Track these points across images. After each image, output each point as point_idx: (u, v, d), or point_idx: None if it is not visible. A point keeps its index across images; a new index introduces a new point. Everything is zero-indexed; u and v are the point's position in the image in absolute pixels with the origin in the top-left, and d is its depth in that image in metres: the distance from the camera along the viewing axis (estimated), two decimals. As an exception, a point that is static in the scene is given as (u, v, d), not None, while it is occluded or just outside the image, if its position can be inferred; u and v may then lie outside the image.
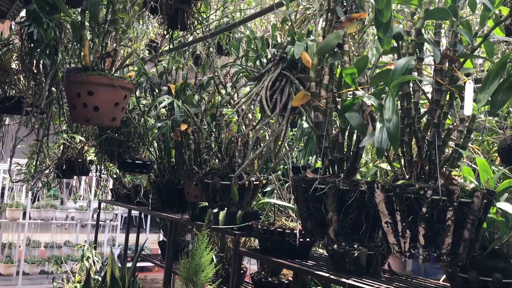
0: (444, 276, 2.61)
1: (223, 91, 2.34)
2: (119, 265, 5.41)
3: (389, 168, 2.33)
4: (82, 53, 1.83)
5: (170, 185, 2.63)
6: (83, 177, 6.40)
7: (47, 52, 2.45)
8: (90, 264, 4.89)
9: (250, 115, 2.08)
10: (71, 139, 2.98)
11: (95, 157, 3.93)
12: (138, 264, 6.48)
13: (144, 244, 7.71)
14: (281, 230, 2.65)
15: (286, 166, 3.01)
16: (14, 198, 6.54)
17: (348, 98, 1.45)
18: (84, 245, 5.37)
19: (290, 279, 3.78)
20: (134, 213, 9.01)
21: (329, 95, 1.55)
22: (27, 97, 3.35)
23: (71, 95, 1.83)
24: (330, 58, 1.57)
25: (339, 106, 1.57)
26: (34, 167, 4.65)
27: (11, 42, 3.57)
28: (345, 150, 1.56)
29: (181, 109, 2.08)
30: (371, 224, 1.51)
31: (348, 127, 1.53)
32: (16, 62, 3.56)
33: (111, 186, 6.93)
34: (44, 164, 4.77)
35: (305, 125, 1.71)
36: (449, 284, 2.17)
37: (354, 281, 2.15)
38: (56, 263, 5.91)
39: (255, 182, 2.16)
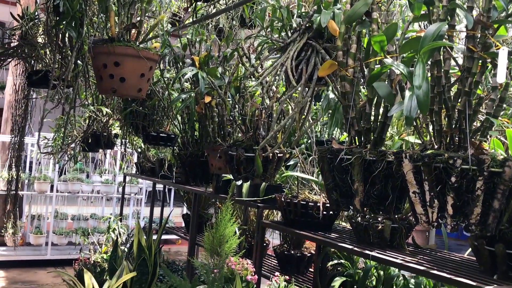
0: (469, 251, 2.59)
1: (247, 63, 2.33)
2: (145, 236, 5.53)
3: (415, 141, 2.31)
4: (108, 25, 1.84)
5: (194, 158, 2.65)
6: (108, 151, 6.52)
7: (73, 24, 2.46)
8: (116, 235, 5.01)
9: (274, 87, 2.06)
10: (97, 112, 3.02)
11: (120, 131, 3.98)
12: (163, 237, 6.62)
13: (168, 217, 7.87)
14: (305, 202, 2.66)
15: (309, 140, 3.00)
16: (41, 172, 6.70)
17: (376, 68, 1.42)
18: (110, 218, 5.49)
19: (313, 252, 3.81)
20: (159, 186, 9.16)
21: (357, 65, 1.53)
22: (54, 71, 3.41)
23: (97, 66, 1.84)
24: (358, 27, 1.54)
25: (366, 76, 1.54)
26: (61, 140, 4.75)
27: (37, 16, 3.60)
28: (372, 120, 1.54)
29: (205, 81, 2.08)
30: (397, 195, 1.50)
31: (376, 97, 1.51)
32: (42, 36, 3.60)
33: (135, 160, 7.05)
34: (70, 138, 4.86)
35: (331, 95, 1.69)
36: (474, 259, 2.16)
37: (378, 253, 2.15)
38: (83, 234, 6.07)
39: (279, 155, 2.15)
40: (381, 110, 1.53)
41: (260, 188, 3.05)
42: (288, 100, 1.94)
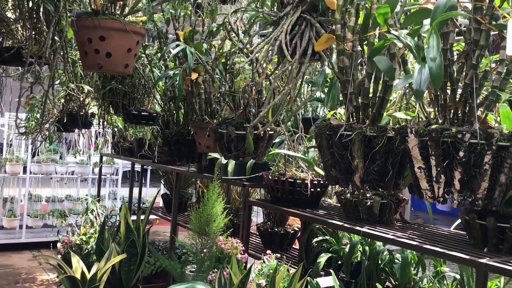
0: (455, 224, 2.63)
1: (234, 39, 2.26)
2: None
3: (402, 117, 2.30)
4: (92, -4, 1.74)
5: (179, 137, 2.58)
6: (83, 131, 6.35)
7: (49, -3, 2.34)
8: (95, 216, 4.92)
9: (264, 63, 2.01)
10: (78, 90, 2.90)
11: (98, 110, 3.87)
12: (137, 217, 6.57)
13: (155, 199, 7.78)
14: (292, 180, 2.64)
15: (294, 117, 2.97)
16: (13, 153, 6.50)
17: (377, 41, 1.39)
18: (87, 199, 5.38)
19: (296, 229, 3.82)
20: (136, 167, 9.03)
21: (355, 38, 1.49)
22: (29, 47, 3.25)
23: (82, 41, 1.75)
24: (356, -1, 1.49)
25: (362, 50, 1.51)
26: (36, 120, 4.59)
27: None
28: (371, 95, 1.51)
29: (194, 57, 2.01)
30: (397, 171, 1.48)
31: (375, 72, 1.48)
32: (12, 10, 3.43)
33: (111, 140, 6.91)
34: (44, 118, 4.70)
35: (328, 70, 1.65)
36: (462, 233, 2.19)
37: (368, 229, 2.16)
38: (60, 216, 5.94)
39: (269, 132, 2.12)
40: (380, 84, 1.51)
41: (246, 167, 3.02)
42: (281, 76, 1.89)
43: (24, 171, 6.38)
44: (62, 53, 2.61)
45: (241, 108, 2.16)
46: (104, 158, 6.79)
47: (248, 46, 2.15)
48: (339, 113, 2.88)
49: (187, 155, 2.60)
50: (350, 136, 1.44)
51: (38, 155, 6.71)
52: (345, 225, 2.27)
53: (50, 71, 2.61)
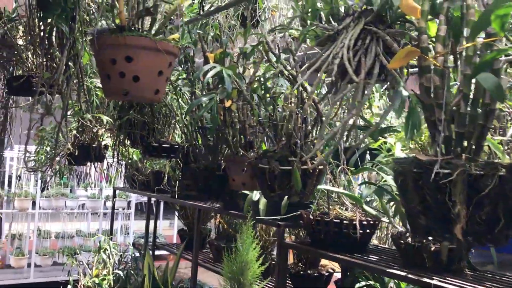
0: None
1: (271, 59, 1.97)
2: (137, 253, 5.10)
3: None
4: (116, 11, 1.46)
5: (209, 171, 2.27)
6: (93, 164, 6.07)
7: (64, 17, 2.07)
8: (108, 255, 4.59)
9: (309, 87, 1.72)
10: (95, 121, 2.62)
11: (112, 142, 3.58)
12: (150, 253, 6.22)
13: (159, 232, 7.42)
14: (339, 220, 2.31)
15: (332, 147, 2.65)
16: (22, 187, 6.21)
17: (484, 54, 1.08)
18: (99, 235, 5.06)
19: (331, 270, 3.46)
20: (145, 200, 8.71)
21: (447, 51, 1.19)
22: (40, 75, 2.98)
23: (104, 63, 1.46)
24: (446, 2, 1.19)
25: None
26: (45, 154, 4.32)
27: (16, 17, 3.19)
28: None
29: (231, 80, 1.72)
30: (508, 220, 1.16)
31: (475, 92, 1.17)
32: (23, 37, 3.19)
33: (125, 172, 6.61)
34: (55, 151, 4.43)
35: (405, 93, 1.35)
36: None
37: (439, 281, 1.81)
38: (70, 255, 5.59)
39: (319, 167, 1.80)
40: (479, 108, 1.19)
41: (282, 204, 2.68)
42: (328, 101, 1.60)
43: (33, 206, 6.08)
44: (77, 80, 2.34)
45: (283, 139, 1.86)
46: (117, 192, 6.49)
47: (288, 67, 1.85)
48: (389, 142, 2.56)
49: (218, 192, 2.28)
50: (449, 175, 1.12)
51: (47, 188, 6.42)
52: (409, 275, 1.92)
53: (63, 100, 2.32)
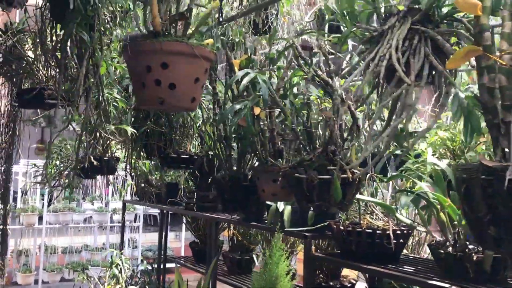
0: None
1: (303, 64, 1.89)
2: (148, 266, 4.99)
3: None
4: (150, 16, 1.38)
5: (234, 182, 2.18)
6: (104, 177, 5.97)
7: (84, 25, 2.00)
8: (120, 270, 4.48)
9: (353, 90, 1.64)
10: (118, 133, 2.53)
11: (126, 153, 3.49)
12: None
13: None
14: (371, 231, 2.22)
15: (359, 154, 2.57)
16: (28, 202, 6.10)
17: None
18: (109, 250, 4.95)
19: (353, 281, 3.37)
20: (151, 212, 8.59)
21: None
22: (53, 87, 2.90)
23: (138, 70, 1.38)
24: (512, -3, 1.12)
25: None
26: (55, 168, 4.23)
27: (23, 29, 3.12)
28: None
29: (267, 86, 1.63)
30: None
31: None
32: (33, 49, 3.11)
33: (135, 185, 6.50)
34: (64, 164, 4.35)
35: (461, 95, 1.27)
36: None
37: (487, 293, 1.72)
38: (81, 271, 5.47)
39: (359, 176, 1.71)
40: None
41: (309, 215, 2.59)
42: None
43: (40, 221, 5.96)
44: (97, 91, 2.26)
45: (320, 147, 1.77)
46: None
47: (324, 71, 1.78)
48: (420, 148, 2.48)
49: (244, 204, 2.19)
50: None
51: (54, 203, 6.32)
52: (453, 287, 1.83)
53: (84, 112, 2.24)
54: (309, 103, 1.76)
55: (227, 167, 2.28)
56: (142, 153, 3.01)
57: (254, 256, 4.29)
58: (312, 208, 1.91)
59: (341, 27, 2.63)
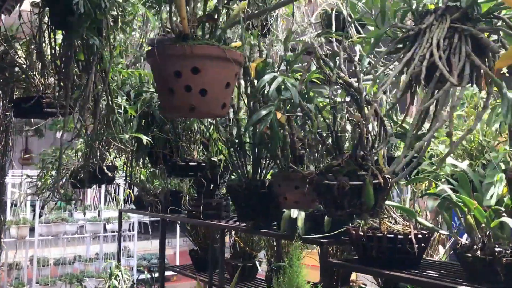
0: None
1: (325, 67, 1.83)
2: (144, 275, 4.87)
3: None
4: (177, 18, 1.30)
5: (252, 190, 2.11)
6: (101, 186, 5.83)
7: (94, 28, 1.91)
8: (119, 281, 4.37)
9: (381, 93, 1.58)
10: (131, 140, 2.43)
11: (126, 162, 3.39)
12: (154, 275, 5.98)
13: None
14: (393, 235, 2.17)
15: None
16: (18, 214, 5.91)
17: None
18: (101, 260, 4.83)
19: (363, 286, 3.32)
20: (145, 221, 8.46)
21: None
22: (52, 96, 2.80)
23: (165, 76, 1.30)
24: None
25: None
26: (50, 178, 4.10)
27: (15, 35, 3.00)
28: None
29: (296, 89, 1.56)
30: None
31: None
32: (29, 57, 2.99)
33: (121, 194, 6.37)
34: (61, 173, 4.22)
35: (510, 95, 1.22)
36: None
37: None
38: (79, 283, 5.31)
39: (394, 181, 1.65)
40: None
41: (325, 220, 2.52)
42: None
43: (31, 233, 5.79)
44: (107, 98, 2.16)
45: (348, 151, 1.71)
46: (116, 213, 6.25)
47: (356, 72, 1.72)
48: (436, 149, 2.44)
49: (262, 212, 2.12)
50: None
51: (45, 214, 6.15)
52: (487, 293, 1.78)
53: (93, 121, 2.14)
54: (336, 106, 1.70)
55: (242, 174, 2.21)
56: (146, 162, 2.92)
57: (257, 263, 4.21)
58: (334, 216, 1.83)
59: (349, 28, 2.58)
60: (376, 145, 1.70)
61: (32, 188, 4.35)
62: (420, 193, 2.51)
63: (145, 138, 2.18)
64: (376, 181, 1.60)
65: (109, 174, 3.51)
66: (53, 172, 4.11)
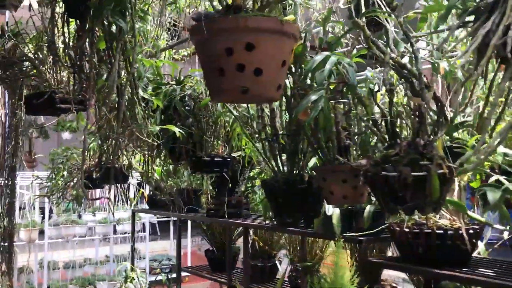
0: None
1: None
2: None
3: None
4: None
5: (290, 185, 1.94)
6: (117, 186, 5.66)
7: (119, 10, 1.74)
8: (135, 285, 4.21)
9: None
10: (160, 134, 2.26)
11: (145, 159, 3.22)
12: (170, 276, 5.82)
13: (171, 253, 6.98)
14: (442, 231, 2.00)
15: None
16: (26, 217, 5.75)
17: None
18: (111, 263, 4.67)
19: (394, 285, 3.16)
20: (153, 219, 8.28)
21: None
22: (63, 90, 2.64)
23: (213, 54, 1.13)
24: None
25: None
26: (62, 179, 3.94)
27: (22, 30, 2.84)
28: None
29: (354, 70, 1.39)
30: None
31: None
32: (40, 50, 2.83)
33: (132, 193, 6.21)
34: (72, 174, 4.07)
35: None
36: None
37: None
38: (91, 285, 5.14)
39: (462, 172, 1.48)
40: None
41: (365, 215, 2.35)
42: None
43: (41, 237, 5.63)
44: (131, 86, 1.99)
45: (405, 139, 1.54)
46: (127, 214, 6.09)
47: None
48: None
49: (303, 210, 1.95)
50: None
51: (54, 216, 5.99)
52: None
53: (116, 114, 1.97)
54: (392, 90, 1.53)
55: (278, 170, 2.04)
56: (166, 158, 2.75)
57: (278, 263, 4.06)
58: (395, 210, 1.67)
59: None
60: (435, 132, 1.53)
61: (42, 189, 4.19)
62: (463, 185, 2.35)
63: (177, 130, 2.01)
64: (441, 171, 1.44)
65: (125, 172, 3.35)
66: (65, 173, 3.95)
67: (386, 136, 1.58)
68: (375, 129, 1.58)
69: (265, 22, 1.10)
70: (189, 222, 6.78)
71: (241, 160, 3.11)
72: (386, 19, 2.03)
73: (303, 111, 1.69)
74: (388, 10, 2.13)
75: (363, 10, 2.41)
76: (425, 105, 1.45)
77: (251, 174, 3.72)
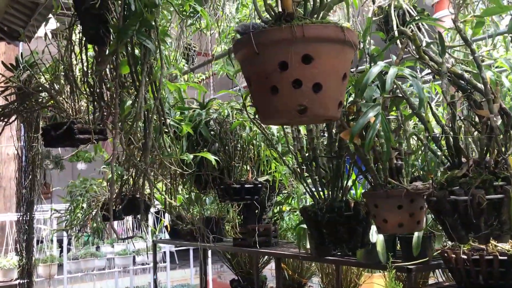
0: None
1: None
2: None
3: None
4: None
5: (334, 213, 1.76)
6: (137, 217, 5.50)
7: (144, 30, 1.60)
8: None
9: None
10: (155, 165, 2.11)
11: (168, 188, 3.06)
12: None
13: (191, 281, 6.75)
14: (506, 257, 1.81)
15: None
16: (44, 251, 5.59)
17: None
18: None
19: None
20: (172, 249, 8.08)
21: None
22: (82, 120, 2.52)
23: (265, 71, 0.97)
24: None
25: None
26: (82, 212, 3.78)
27: (37, 61, 2.74)
28: None
29: (419, 81, 1.23)
30: None
31: None
32: (57, 80, 2.72)
33: (150, 222, 6.04)
34: (93, 206, 3.92)
35: None
36: None
37: None
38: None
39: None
40: None
41: (414, 241, 2.16)
42: None
43: (59, 270, 5.45)
44: (157, 114, 1.84)
45: (471, 157, 1.36)
46: (144, 245, 5.90)
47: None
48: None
49: (350, 240, 1.76)
50: None
51: (72, 249, 5.82)
52: None
53: (144, 143, 1.82)
54: (454, 103, 1.36)
55: (321, 197, 1.86)
56: (192, 187, 2.59)
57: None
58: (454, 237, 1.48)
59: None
60: (505, 148, 1.36)
61: (60, 223, 4.05)
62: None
63: (212, 158, 1.85)
64: (519, 192, 1.26)
65: (148, 202, 3.20)
66: (84, 205, 3.81)
67: (448, 155, 1.40)
68: (436, 147, 1.41)
69: (325, 30, 0.94)
70: (209, 250, 6.58)
71: (268, 185, 2.95)
72: (418, 27, 1.87)
73: (344, 132, 1.53)
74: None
75: (394, 21, 2.28)
76: (494, 118, 1.28)
77: (278, 199, 3.55)
